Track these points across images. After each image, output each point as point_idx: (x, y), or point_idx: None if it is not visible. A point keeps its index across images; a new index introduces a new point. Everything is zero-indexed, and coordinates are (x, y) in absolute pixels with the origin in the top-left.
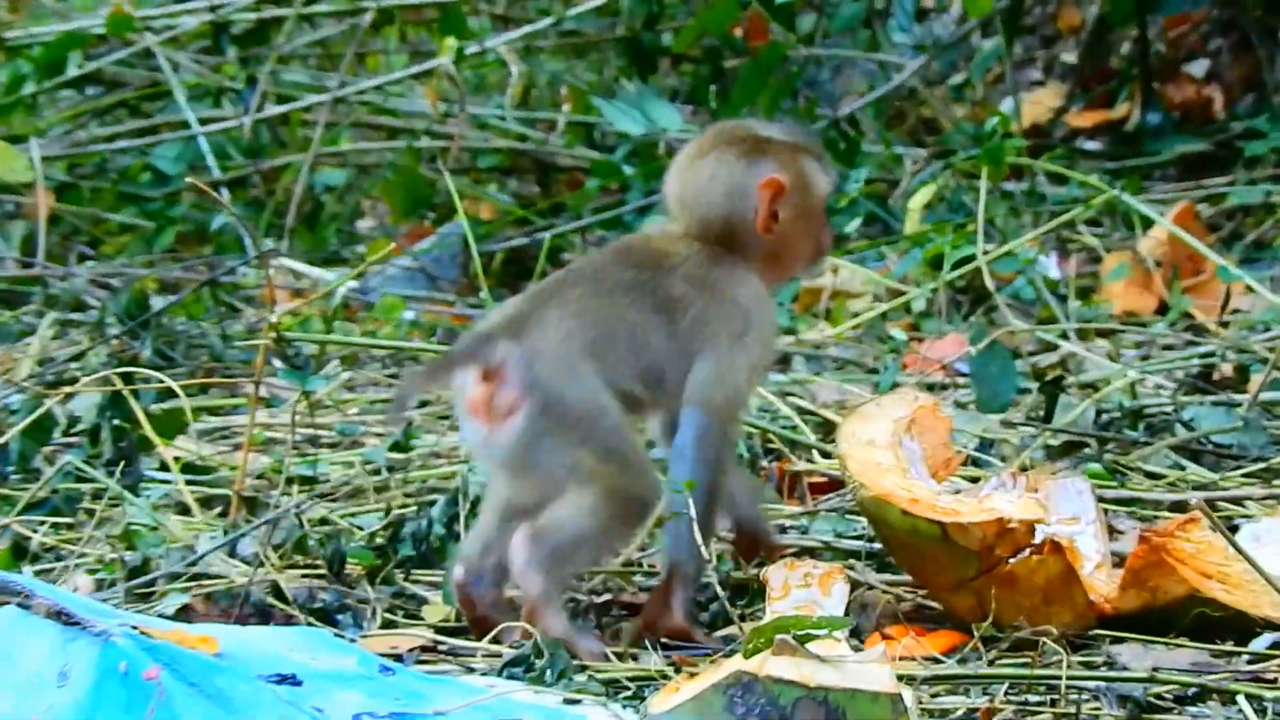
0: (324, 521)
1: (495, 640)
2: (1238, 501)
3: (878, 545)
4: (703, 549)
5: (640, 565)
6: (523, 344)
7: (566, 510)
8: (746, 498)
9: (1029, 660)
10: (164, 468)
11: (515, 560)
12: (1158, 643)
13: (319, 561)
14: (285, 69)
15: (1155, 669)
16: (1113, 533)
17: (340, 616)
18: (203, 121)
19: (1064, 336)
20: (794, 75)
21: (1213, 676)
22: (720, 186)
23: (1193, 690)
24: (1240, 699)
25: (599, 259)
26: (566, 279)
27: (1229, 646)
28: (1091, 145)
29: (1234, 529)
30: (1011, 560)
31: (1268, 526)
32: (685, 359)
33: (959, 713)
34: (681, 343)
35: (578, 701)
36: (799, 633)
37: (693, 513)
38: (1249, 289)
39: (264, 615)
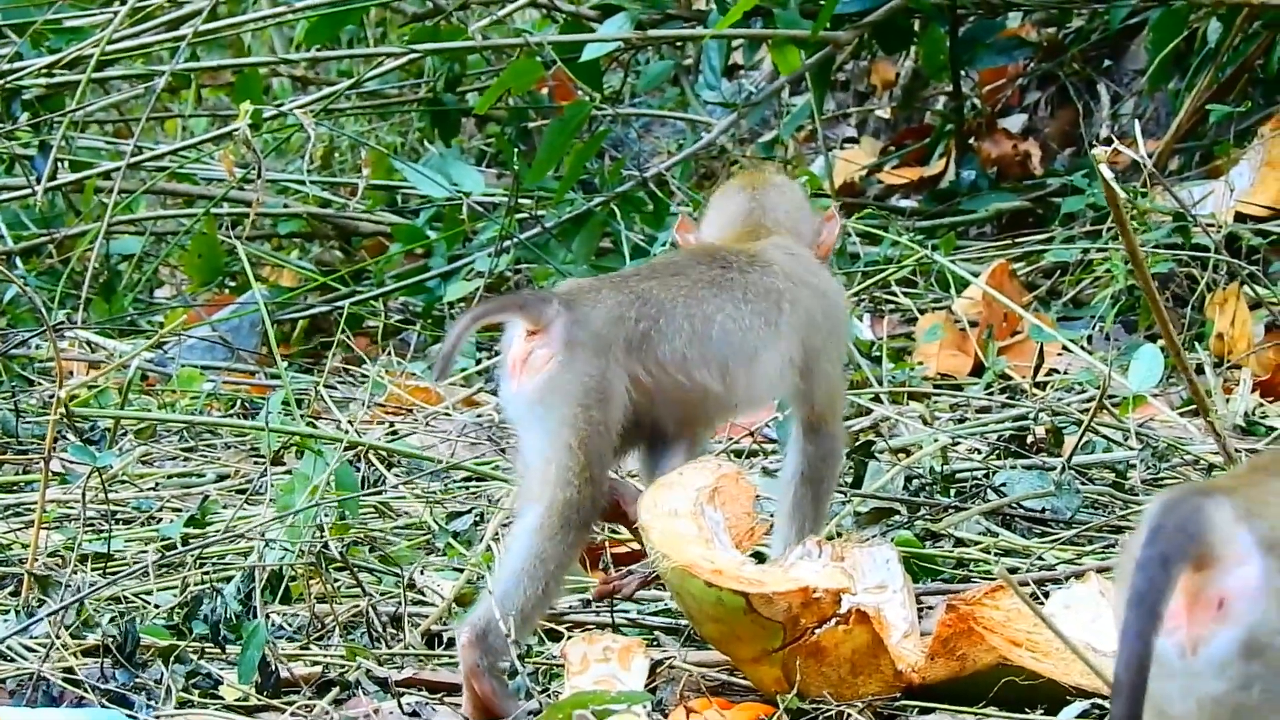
0: (116, 600)
1: None
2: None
3: (682, 617)
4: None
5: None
6: (572, 311)
7: (509, 563)
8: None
9: None
10: None
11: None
12: (966, 713)
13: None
14: (80, 135)
15: None
16: (923, 609)
17: (134, 697)
18: None
19: (877, 400)
20: (600, 135)
21: None
22: (797, 200)
23: None
24: None
25: (679, 258)
26: (641, 272)
27: (1039, 716)
28: (906, 203)
29: (1046, 595)
30: (818, 630)
31: (1078, 593)
32: (790, 348)
33: None
34: (785, 334)
35: None
36: (598, 708)
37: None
38: (1066, 348)
39: (55, 697)
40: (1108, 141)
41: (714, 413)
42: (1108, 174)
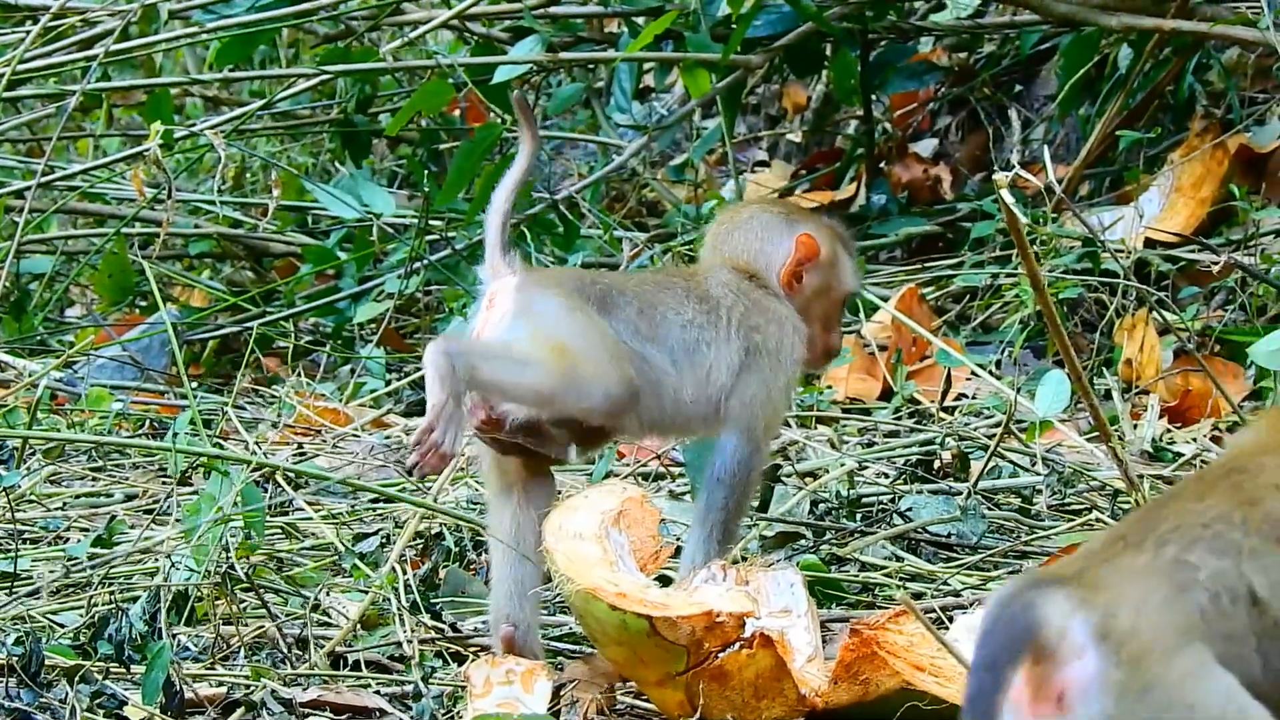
0: (21, 619)
1: None
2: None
3: (587, 641)
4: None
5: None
6: (530, 274)
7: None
8: None
9: None
10: None
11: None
12: None
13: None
14: None
15: None
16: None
17: (39, 717)
18: None
19: (785, 424)
20: (511, 157)
21: None
22: (757, 232)
23: None
24: None
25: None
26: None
27: None
28: None
29: (951, 620)
30: (721, 654)
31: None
32: (732, 353)
33: None
34: (728, 338)
35: None
36: None
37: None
38: (974, 373)
39: None
40: (1011, 166)
41: (669, 407)
42: (1008, 198)
